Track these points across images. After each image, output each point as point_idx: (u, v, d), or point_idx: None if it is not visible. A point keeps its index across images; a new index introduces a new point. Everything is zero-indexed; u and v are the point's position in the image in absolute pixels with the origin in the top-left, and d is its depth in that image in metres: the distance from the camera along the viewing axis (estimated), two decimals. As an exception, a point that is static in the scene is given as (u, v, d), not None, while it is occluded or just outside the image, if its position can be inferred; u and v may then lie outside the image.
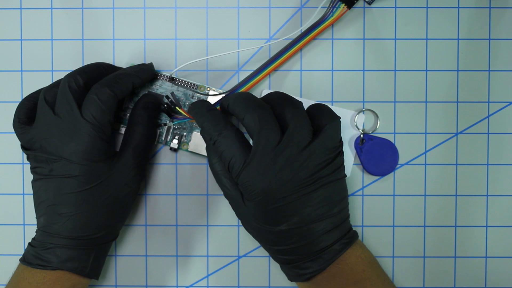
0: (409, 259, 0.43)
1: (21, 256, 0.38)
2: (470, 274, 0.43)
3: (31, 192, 0.43)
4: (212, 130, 0.35)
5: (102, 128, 0.36)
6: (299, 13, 0.42)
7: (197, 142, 0.42)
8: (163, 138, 0.42)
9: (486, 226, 0.43)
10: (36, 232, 0.38)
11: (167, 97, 0.40)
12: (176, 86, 0.42)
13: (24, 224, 0.43)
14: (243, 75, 0.41)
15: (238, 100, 0.35)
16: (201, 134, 0.37)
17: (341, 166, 0.36)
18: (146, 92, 0.41)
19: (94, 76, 0.37)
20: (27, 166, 0.43)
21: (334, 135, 0.35)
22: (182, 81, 0.42)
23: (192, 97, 0.42)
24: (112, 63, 0.42)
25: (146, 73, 0.40)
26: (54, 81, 0.42)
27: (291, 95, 0.36)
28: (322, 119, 0.35)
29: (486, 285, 0.43)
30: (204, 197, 0.43)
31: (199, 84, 0.42)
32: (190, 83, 0.42)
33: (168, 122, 0.42)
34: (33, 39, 0.42)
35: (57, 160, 0.35)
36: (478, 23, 0.42)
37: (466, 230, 0.43)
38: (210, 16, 0.42)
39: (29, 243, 0.38)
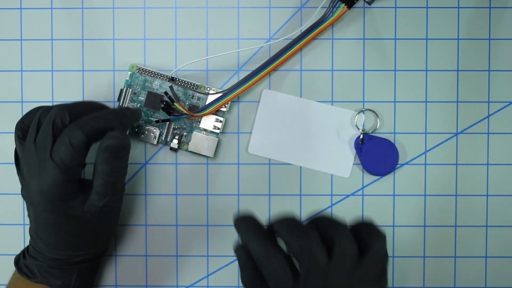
0: (409, 259, 0.43)
1: (16, 257, 0.39)
2: (470, 274, 0.43)
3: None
4: (258, 251, 0.34)
5: (70, 172, 0.34)
6: (299, 13, 0.42)
7: (197, 142, 0.42)
8: (163, 138, 0.42)
9: (486, 226, 0.43)
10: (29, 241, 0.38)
11: (166, 93, 0.40)
12: (176, 86, 0.42)
13: (24, 224, 0.43)
14: (243, 75, 0.41)
15: (283, 225, 0.34)
16: (236, 252, 0.35)
17: (386, 275, 0.35)
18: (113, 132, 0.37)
19: (83, 115, 0.35)
20: (27, 166, 0.43)
21: (381, 254, 0.34)
22: (182, 81, 0.42)
23: (192, 97, 0.42)
24: (112, 63, 0.42)
25: (130, 119, 0.37)
26: (54, 82, 0.42)
27: (335, 218, 0.35)
28: (368, 237, 0.34)
29: (486, 285, 0.43)
30: (204, 197, 0.43)
31: (199, 84, 0.42)
32: (190, 83, 0.42)
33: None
34: (33, 39, 0.42)
35: (30, 189, 0.35)
36: (478, 23, 0.42)
37: (466, 230, 0.43)
38: (210, 16, 0.42)
39: (24, 250, 0.38)
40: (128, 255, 0.43)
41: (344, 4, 0.40)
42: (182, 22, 0.42)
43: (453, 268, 0.43)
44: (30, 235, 0.37)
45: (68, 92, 0.42)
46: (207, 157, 0.42)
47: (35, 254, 0.37)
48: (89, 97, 0.42)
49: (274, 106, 0.42)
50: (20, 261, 0.38)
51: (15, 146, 0.37)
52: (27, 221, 0.43)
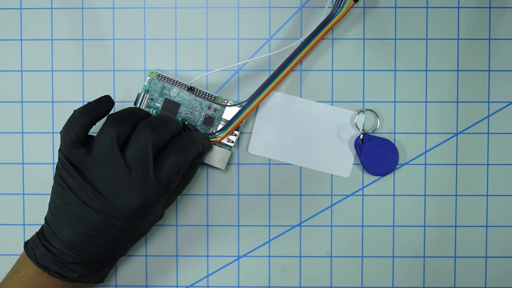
0: (409, 259, 0.43)
1: (32, 255, 0.36)
2: (470, 274, 0.43)
3: (31, 192, 0.43)
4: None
5: (169, 192, 0.37)
6: (299, 13, 0.42)
7: (210, 153, 0.41)
8: None
9: (486, 226, 0.43)
10: (56, 240, 0.36)
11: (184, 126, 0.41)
12: (193, 96, 0.41)
13: (24, 224, 0.43)
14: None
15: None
16: None
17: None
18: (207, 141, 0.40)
19: (174, 133, 0.37)
20: (27, 166, 0.43)
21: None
22: (200, 91, 0.41)
23: (209, 108, 0.41)
24: (112, 63, 0.42)
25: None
26: (54, 82, 0.42)
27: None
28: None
29: (486, 285, 0.43)
30: (204, 197, 0.43)
31: (217, 95, 0.41)
32: (208, 94, 0.41)
33: None
34: (33, 39, 0.42)
35: (108, 204, 0.35)
36: (478, 23, 0.42)
37: (466, 230, 0.43)
38: (210, 16, 0.42)
39: (46, 248, 0.36)
40: (128, 255, 0.43)
41: None
42: (182, 22, 0.42)
43: (453, 268, 0.43)
44: (73, 236, 0.35)
45: (68, 92, 0.42)
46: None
47: (75, 254, 0.36)
48: (89, 97, 0.42)
49: (274, 106, 0.42)
50: (46, 257, 0.36)
51: (63, 152, 0.36)
52: (27, 221, 0.43)
